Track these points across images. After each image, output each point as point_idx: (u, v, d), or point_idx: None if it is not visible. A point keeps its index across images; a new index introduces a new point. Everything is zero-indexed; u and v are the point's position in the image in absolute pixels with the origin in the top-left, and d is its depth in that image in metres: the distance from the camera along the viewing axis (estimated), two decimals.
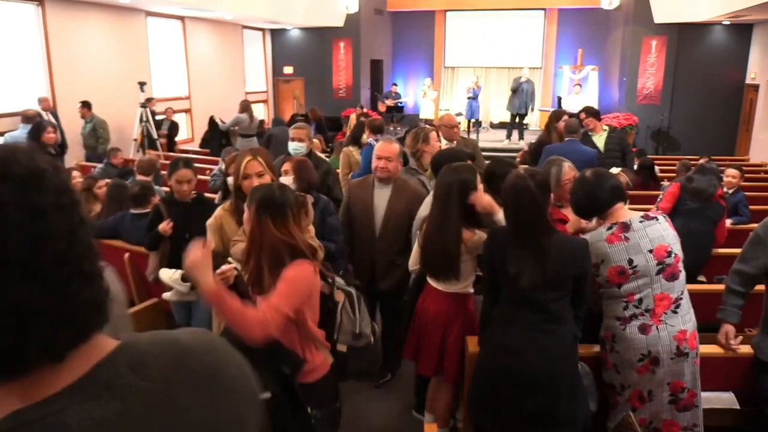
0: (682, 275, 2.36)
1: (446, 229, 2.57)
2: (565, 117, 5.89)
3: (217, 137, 10.01)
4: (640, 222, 2.35)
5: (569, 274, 2.24)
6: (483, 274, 2.46)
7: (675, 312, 2.30)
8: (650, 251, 2.29)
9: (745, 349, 2.53)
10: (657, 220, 2.37)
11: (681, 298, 2.33)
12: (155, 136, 9.36)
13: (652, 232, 2.32)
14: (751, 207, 5.93)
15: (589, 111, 5.66)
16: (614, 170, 3.30)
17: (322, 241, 2.90)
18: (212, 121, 10.23)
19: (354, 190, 3.54)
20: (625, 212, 2.42)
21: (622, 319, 2.34)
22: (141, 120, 9.13)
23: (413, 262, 2.89)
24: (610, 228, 2.36)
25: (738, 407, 2.56)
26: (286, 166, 3.25)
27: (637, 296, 2.31)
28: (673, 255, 2.32)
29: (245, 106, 9.91)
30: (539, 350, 2.23)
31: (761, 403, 2.47)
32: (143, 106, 9.13)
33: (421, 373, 2.93)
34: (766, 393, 2.44)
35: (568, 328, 2.28)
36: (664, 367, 2.29)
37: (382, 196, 3.41)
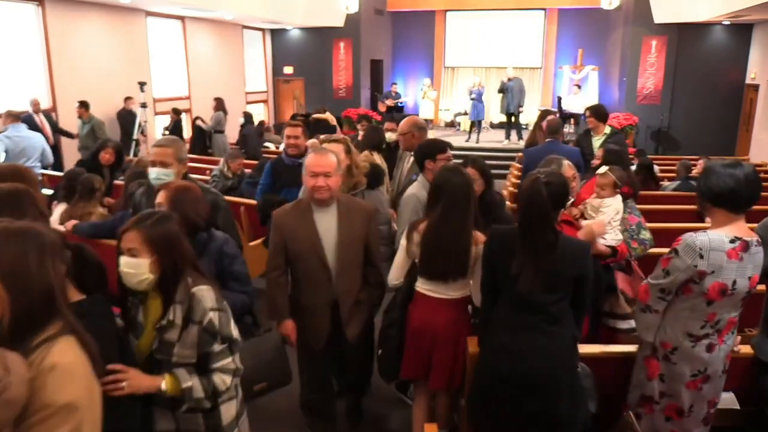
0: None
1: (466, 233, 2.53)
2: (550, 117, 5.81)
3: (200, 138, 10.37)
4: (756, 246, 2.19)
5: (570, 276, 2.23)
6: (483, 275, 2.43)
7: (733, 333, 2.29)
8: (749, 278, 2.18)
9: (745, 349, 2.53)
10: (763, 246, 2.23)
11: (737, 320, 2.31)
12: (135, 135, 9.37)
13: (758, 259, 2.20)
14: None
15: (593, 110, 5.53)
16: (602, 169, 3.24)
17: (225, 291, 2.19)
18: (195, 124, 10.68)
19: (286, 220, 2.73)
20: (744, 227, 2.20)
21: (694, 336, 2.24)
22: (140, 121, 9.15)
23: (398, 275, 2.71)
24: (733, 241, 2.14)
25: (738, 407, 2.56)
26: (161, 197, 2.38)
27: (717, 317, 2.22)
28: (757, 286, 2.24)
29: (221, 104, 10.29)
30: (539, 351, 2.22)
31: (761, 403, 2.47)
32: (143, 106, 9.16)
33: (434, 388, 2.76)
34: (766, 393, 2.44)
35: (567, 329, 2.27)
36: (711, 384, 2.28)
37: (326, 223, 2.71)
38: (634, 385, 2.43)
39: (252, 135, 10.07)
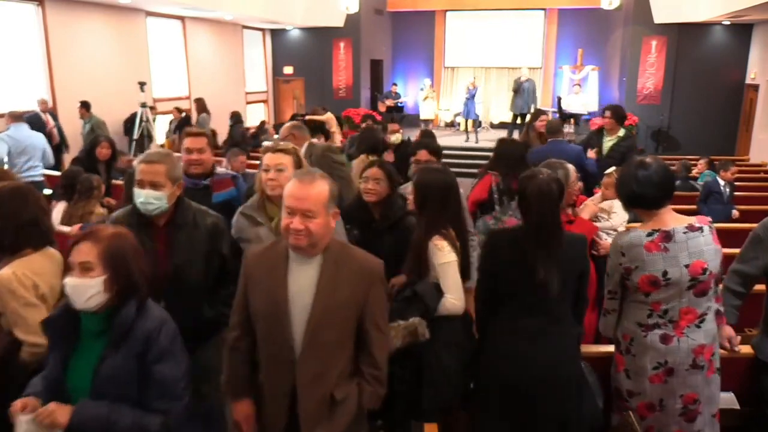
0: (712, 290, 2.27)
1: None
2: (543, 117, 5.79)
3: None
4: (684, 233, 2.19)
5: (575, 272, 2.25)
6: (481, 283, 2.39)
7: (698, 326, 2.24)
8: (686, 266, 2.17)
9: (745, 349, 2.53)
10: (701, 231, 2.21)
11: (706, 313, 2.26)
12: (154, 136, 9.42)
13: (693, 245, 2.18)
14: (750, 207, 5.96)
15: (613, 110, 5.27)
16: (609, 169, 3.30)
17: (140, 413, 1.64)
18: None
19: (255, 263, 1.96)
20: (670, 218, 2.24)
21: (644, 325, 2.26)
22: (141, 120, 9.15)
23: (462, 295, 2.40)
24: (650, 234, 2.20)
25: (738, 407, 2.56)
26: (85, 254, 1.64)
27: (663, 306, 2.23)
28: (707, 272, 2.19)
29: (203, 106, 10.47)
30: (545, 356, 2.21)
31: (761, 403, 2.47)
32: (143, 106, 9.16)
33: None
34: (766, 393, 2.44)
35: (569, 328, 2.28)
36: (678, 378, 2.25)
37: (303, 279, 1.87)
38: (611, 378, 2.47)
39: (238, 136, 9.90)
